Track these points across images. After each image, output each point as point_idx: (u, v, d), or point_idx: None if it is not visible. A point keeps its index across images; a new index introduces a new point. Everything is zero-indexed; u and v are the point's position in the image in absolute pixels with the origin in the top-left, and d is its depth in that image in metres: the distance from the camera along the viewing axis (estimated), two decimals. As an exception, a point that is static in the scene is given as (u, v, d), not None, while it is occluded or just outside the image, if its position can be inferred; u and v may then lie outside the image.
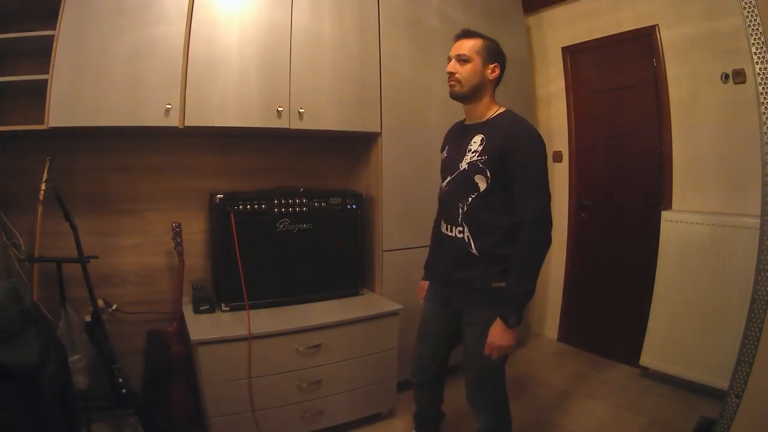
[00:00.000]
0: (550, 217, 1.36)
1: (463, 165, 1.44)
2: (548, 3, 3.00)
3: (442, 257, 1.57)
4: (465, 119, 1.57)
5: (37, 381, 1.20)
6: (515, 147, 1.34)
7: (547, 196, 1.36)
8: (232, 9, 1.92)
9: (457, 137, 1.55)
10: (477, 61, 1.44)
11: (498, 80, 1.48)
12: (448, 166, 1.53)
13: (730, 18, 2.12)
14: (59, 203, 1.67)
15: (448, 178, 1.51)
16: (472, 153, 1.43)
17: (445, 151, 1.60)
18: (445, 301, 1.57)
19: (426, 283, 1.73)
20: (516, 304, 1.33)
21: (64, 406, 1.33)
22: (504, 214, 1.38)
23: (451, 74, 1.46)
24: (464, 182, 1.43)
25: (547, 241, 1.36)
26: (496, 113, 1.46)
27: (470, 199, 1.42)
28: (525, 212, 1.34)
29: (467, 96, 1.46)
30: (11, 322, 1.19)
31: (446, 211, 1.53)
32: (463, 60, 1.44)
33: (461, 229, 1.45)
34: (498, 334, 1.35)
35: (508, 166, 1.34)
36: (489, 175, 1.37)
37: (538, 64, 3.13)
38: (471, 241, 1.43)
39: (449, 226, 1.50)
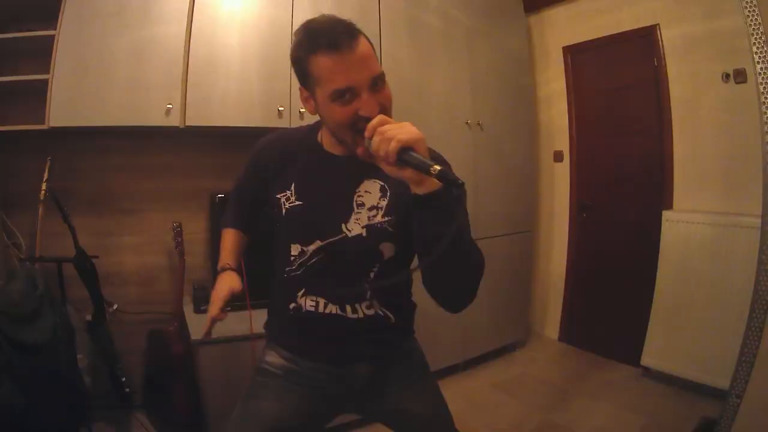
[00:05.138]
0: None
1: (356, 229, 0.94)
2: (549, 2, 3.00)
3: (327, 341, 1.01)
4: (318, 141, 1.00)
5: (51, 355, 1.38)
6: None
7: None
8: (232, 9, 1.92)
9: (319, 173, 0.97)
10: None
11: None
12: (311, 222, 0.96)
13: (731, 17, 2.11)
14: (57, 206, 1.68)
15: (317, 244, 0.96)
16: (370, 210, 0.95)
17: (291, 193, 0.98)
18: (343, 395, 1.05)
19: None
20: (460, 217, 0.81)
21: (70, 377, 1.50)
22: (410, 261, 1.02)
23: (372, 119, 0.77)
24: (359, 252, 0.95)
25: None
26: None
27: (374, 272, 0.97)
28: None
29: None
30: (32, 306, 1.37)
31: (325, 285, 0.98)
32: (379, 83, 0.84)
33: (368, 304, 0.99)
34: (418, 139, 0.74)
35: None
36: (399, 239, 0.95)
37: (538, 63, 3.13)
38: (387, 313, 1.01)
39: (343, 305, 0.98)
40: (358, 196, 0.96)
